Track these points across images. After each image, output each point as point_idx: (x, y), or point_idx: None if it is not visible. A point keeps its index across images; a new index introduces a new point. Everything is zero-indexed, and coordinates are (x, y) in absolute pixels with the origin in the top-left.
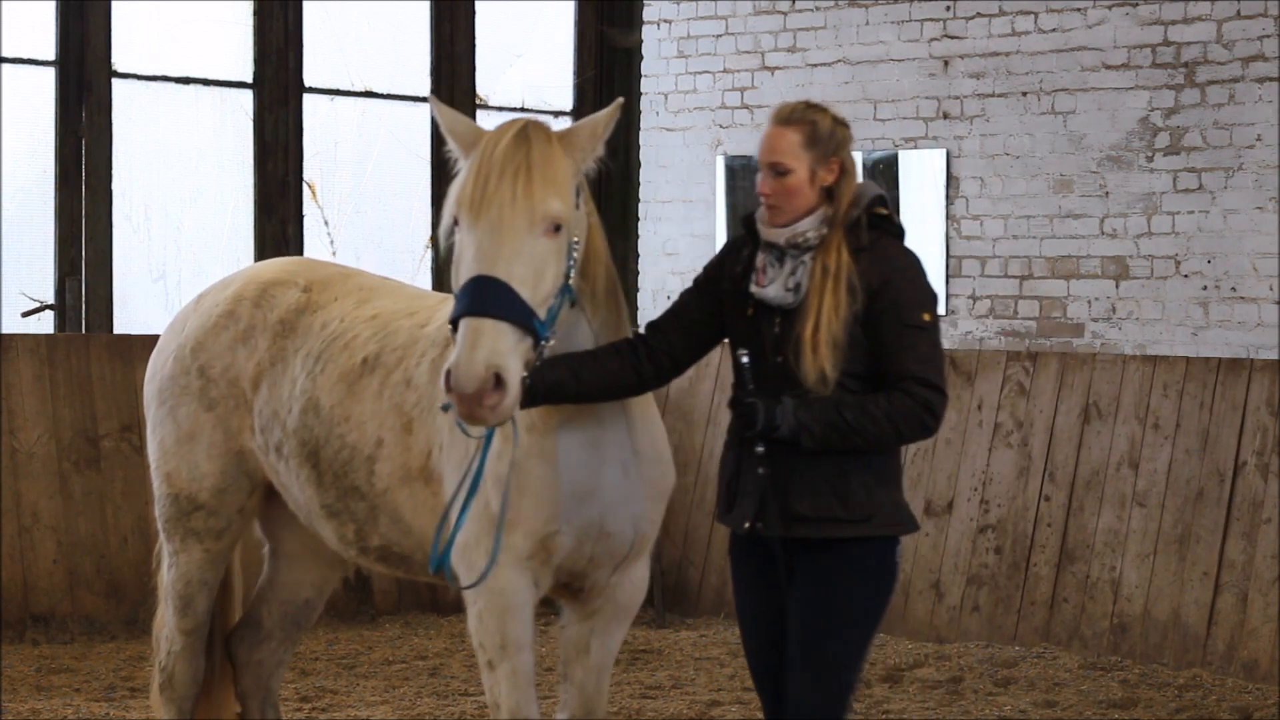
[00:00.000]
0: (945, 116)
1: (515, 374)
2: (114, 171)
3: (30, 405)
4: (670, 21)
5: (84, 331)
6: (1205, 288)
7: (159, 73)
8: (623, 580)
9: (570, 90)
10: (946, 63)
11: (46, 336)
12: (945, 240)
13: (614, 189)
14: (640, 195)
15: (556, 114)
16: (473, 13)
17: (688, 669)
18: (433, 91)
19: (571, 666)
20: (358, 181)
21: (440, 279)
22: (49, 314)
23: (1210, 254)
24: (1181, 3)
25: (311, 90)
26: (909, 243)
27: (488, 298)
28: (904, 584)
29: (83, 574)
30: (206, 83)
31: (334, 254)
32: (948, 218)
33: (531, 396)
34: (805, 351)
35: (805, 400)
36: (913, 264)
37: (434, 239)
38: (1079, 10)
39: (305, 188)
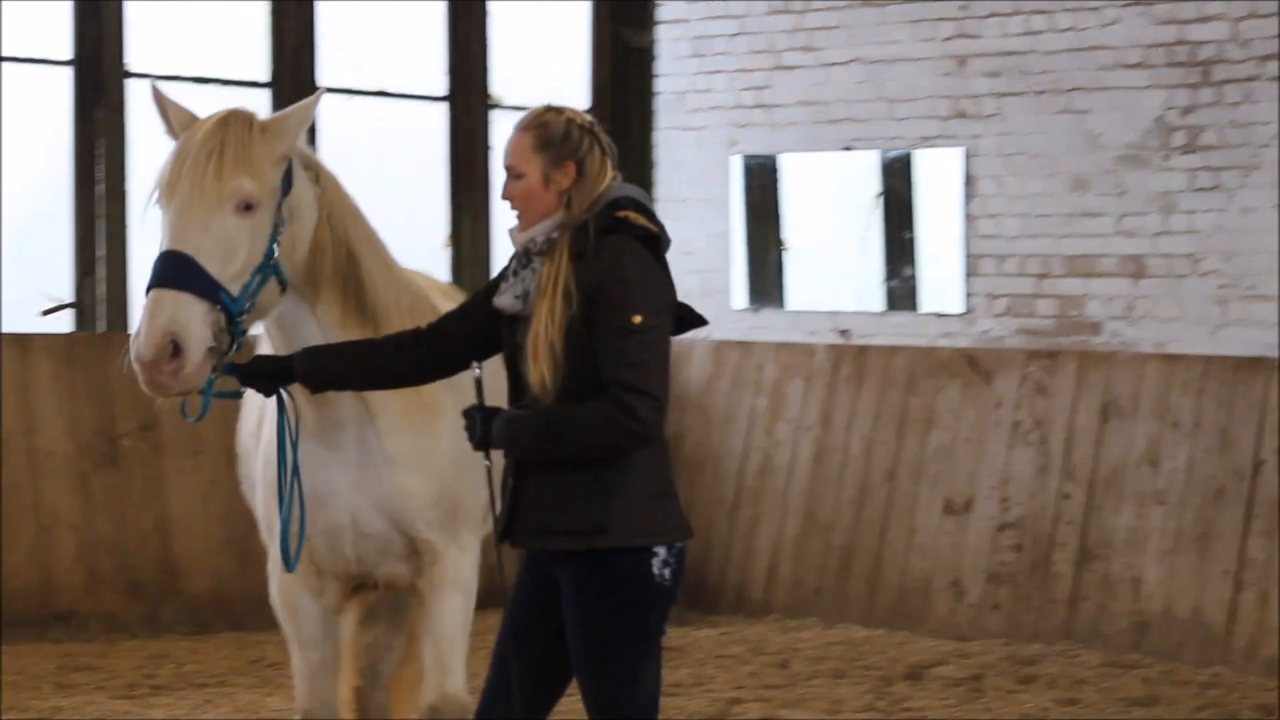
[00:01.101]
0: (961, 116)
1: (196, 341)
2: (130, 171)
3: (50, 405)
4: (685, 21)
5: (102, 331)
6: (1223, 286)
7: (174, 72)
8: (433, 568)
9: (585, 90)
10: (962, 62)
11: (66, 336)
12: (964, 239)
13: None
14: (656, 195)
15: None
16: (487, 12)
17: (708, 667)
18: (449, 91)
19: (420, 645)
20: (374, 180)
21: (459, 277)
22: (66, 314)
23: (1228, 252)
24: (1196, 1)
25: (327, 89)
26: (928, 242)
27: (170, 271)
28: (924, 582)
29: (103, 573)
30: (222, 82)
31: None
32: (966, 217)
33: (307, 380)
34: (526, 359)
35: (524, 410)
36: (632, 265)
37: (452, 238)
38: (1094, 9)
39: None
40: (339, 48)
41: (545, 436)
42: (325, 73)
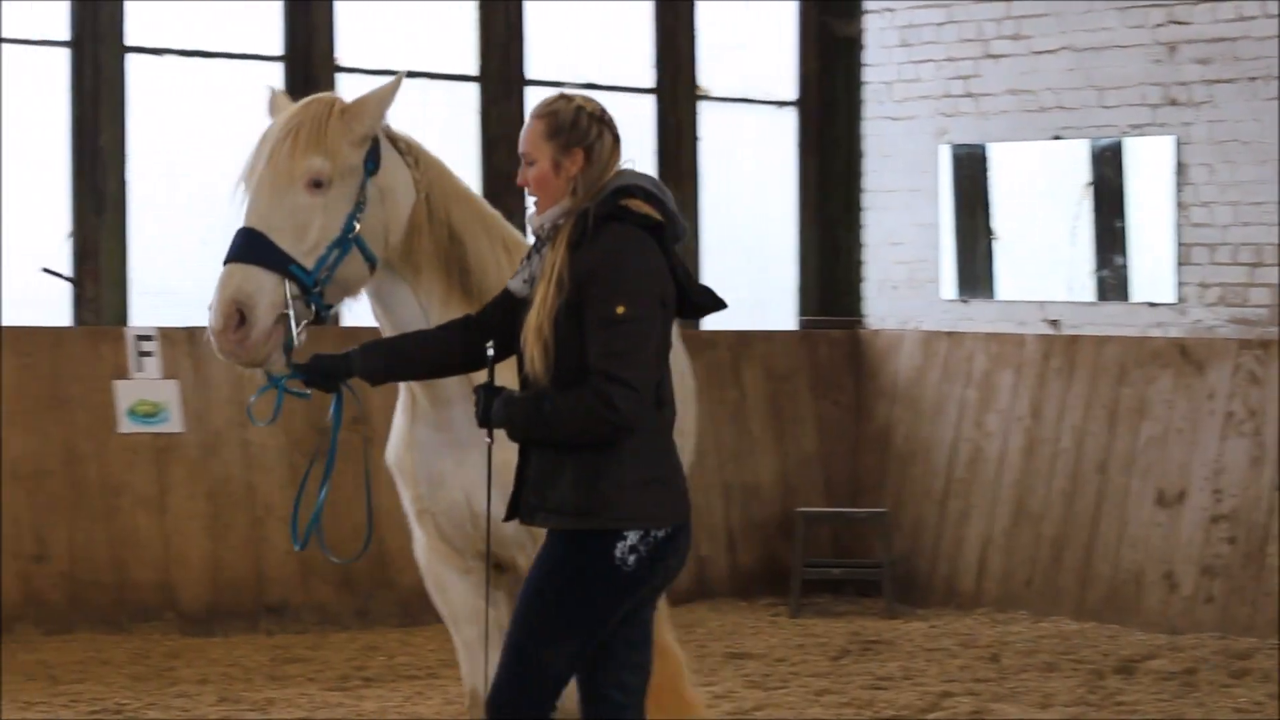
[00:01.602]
0: (1172, 103)
1: (263, 310)
2: None
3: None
4: (892, 10)
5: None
6: None
7: (384, 67)
8: None
9: (793, 81)
10: (1173, 48)
11: None
12: (1175, 228)
13: (837, 180)
14: (865, 185)
15: (780, 105)
16: (694, 4)
17: (918, 659)
18: (657, 84)
19: None
20: None
21: None
22: None
23: None
24: None
25: (534, 83)
26: (1139, 231)
27: (242, 246)
28: (1136, 575)
29: (316, 565)
30: (433, 76)
31: None
32: (1177, 205)
33: (366, 375)
34: (523, 343)
35: (522, 393)
36: (622, 254)
37: None
38: None
39: None
40: (547, 41)
41: (534, 420)
42: (533, 66)
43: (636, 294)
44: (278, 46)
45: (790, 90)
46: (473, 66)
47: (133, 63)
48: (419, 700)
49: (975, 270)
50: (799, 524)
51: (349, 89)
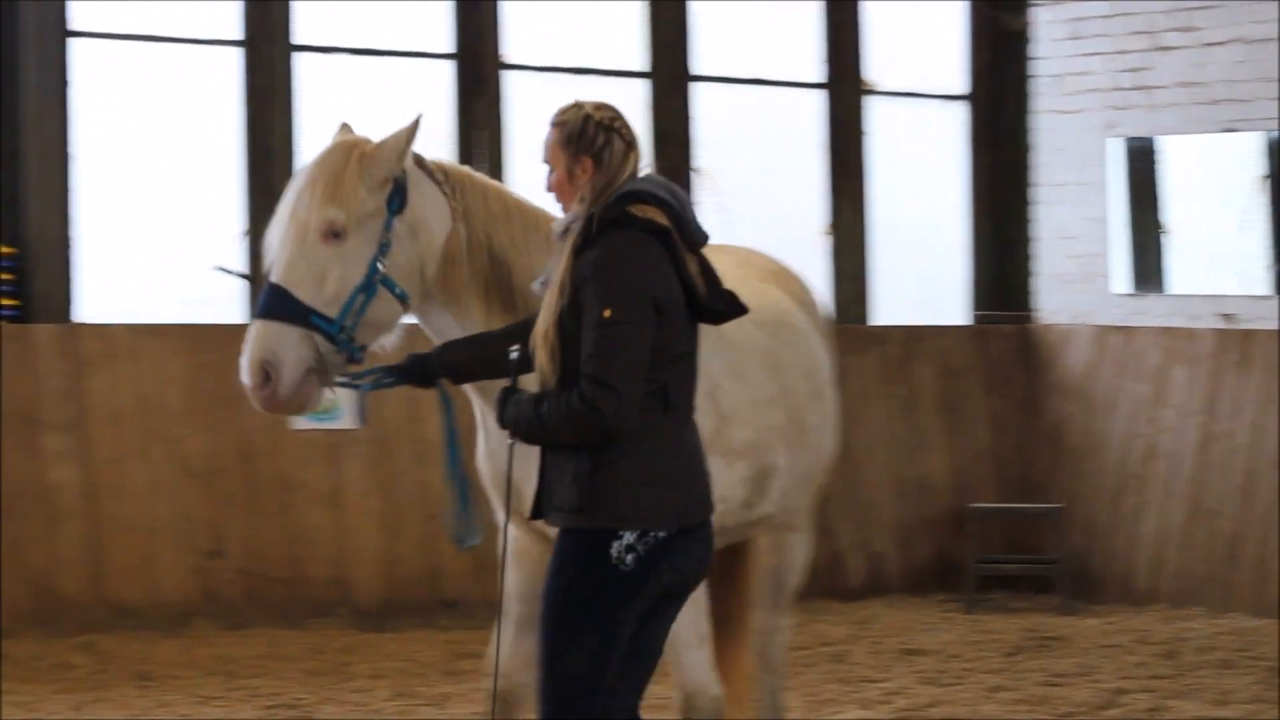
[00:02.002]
0: None
1: (289, 366)
2: (510, 162)
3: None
4: (1061, 2)
5: None
6: None
7: (551, 64)
8: None
9: (963, 75)
10: None
11: None
12: None
13: (1007, 174)
14: (1035, 179)
15: (949, 99)
16: None
17: (1093, 656)
18: (826, 78)
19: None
20: (751, 168)
21: (838, 265)
22: None
23: None
24: None
25: (702, 78)
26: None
27: (267, 302)
28: None
29: (490, 560)
30: (600, 73)
31: (731, 242)
32: None
33: (448, 373)
34: (531, 347)
35: (531, 395)
36: (615, 259)
37: (831, 226)
38: None
39: (699, 175)
40: (715, 36)
41: (533, 422)
42: (701, 62)
43: (625, 298)
44: (446, 44)
45: (959, 84)
46: (641, 63)
47: (303, 61)
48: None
49: (1147, 264)
50: (971, 520)
51: (516, 86)
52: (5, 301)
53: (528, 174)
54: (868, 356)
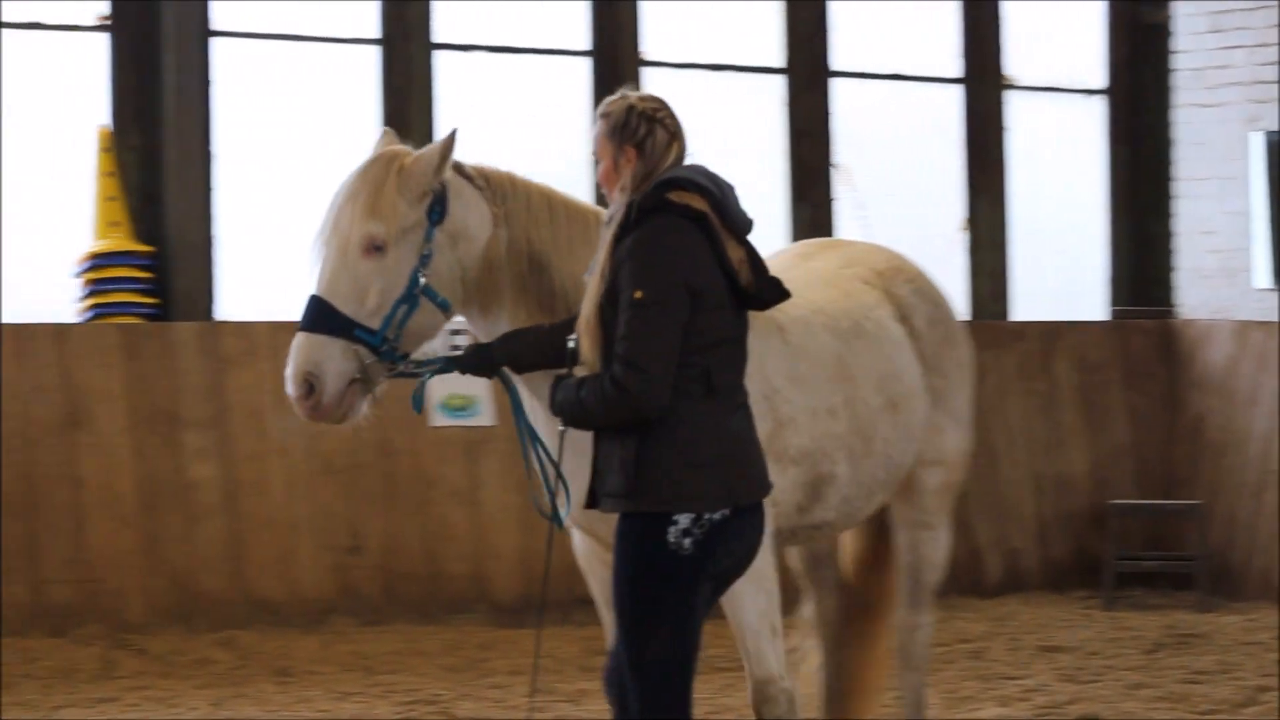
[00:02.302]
0: None
1: (331, 378)
2: None
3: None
4: None
5: None
6: None
7: (690, 60)
8: None
9: (1102, 69)
10: None
11: None
12: None
13: (1147, 168)
14: (1175, 174)
15: (1089, 93)
16: None
17: (1234, 653)
18: (964, 73)
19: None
20: (888, 164)
21: (975, 261)
22: None
23: None
24: None
25: (840, 74)
26: None
27: (309, 315)
28: None
29: None
30: (737, 69)
31: (867, 238)
32: None
33: (509, 362)
34: (577, 332)
35: (575, 380)
36: (650, 242)
37: (969, 221)
38: None
39: (837, 172)
40: (853, 32)
41: (575, 404)
42: (839, 57)
43: (657, 280)
44: (584, 42)
45: (1099, 78)
46: (779, 59)
47: (441, 59)
48: (730, 692)
49: None
50: (1111, 516)
51: (654, 84)
52: (146, 300)
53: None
54: (1007, 353)
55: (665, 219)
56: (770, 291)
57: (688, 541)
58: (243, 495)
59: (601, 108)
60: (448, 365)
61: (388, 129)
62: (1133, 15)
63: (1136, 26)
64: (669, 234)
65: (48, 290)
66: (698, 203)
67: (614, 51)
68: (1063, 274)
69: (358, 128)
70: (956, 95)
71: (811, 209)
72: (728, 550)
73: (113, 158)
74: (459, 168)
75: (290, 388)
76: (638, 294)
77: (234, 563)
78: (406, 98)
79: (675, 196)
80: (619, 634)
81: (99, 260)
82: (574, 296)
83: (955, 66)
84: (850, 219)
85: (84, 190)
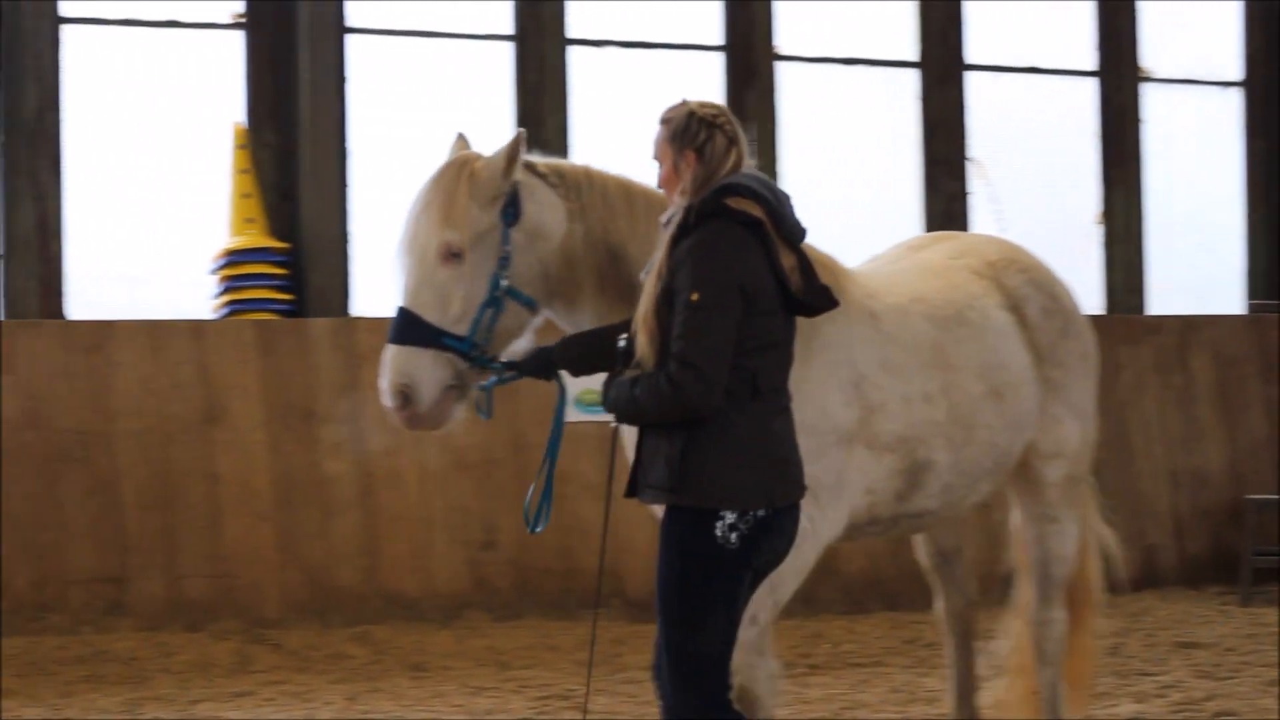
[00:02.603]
0: None
1: (425, 388)
2: (782, 153)
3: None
4: None
5: None
6: None
7: (824, 54)
8: None
9: (1239, 61)
10: None
11: None
12: None
13: None
14: None
15: (1225, 85)
16: None
17: None
18: (1099, 66)
19: None
20: (1023, 158)
21: (1110, 254)
22: None
23: None
24: None
25: (974, 67)
26: None
27: (397, 327)
28: None
29: None
30: (870, 63)
31: (1002, 231)
32: None
33: (566, 365)
34: (633, 330)
35: (629, 378)
36: (708, 247)
37: (1104, 215)
38: None
39: (971, 165)
40: (987, 25)
41: (629, 400)
42: (973, 51)
43: (713, 283)
44: (717, 37)
45: (1235, 70)
46: (912, 52)
47: (574, 55)
48: (864, 688)
49: None
50: (1249, 511)
51: (788, 78)
52: (281, 296)
53: (800, 164)
54: (1142, 347)
55: (722, 223)
56: (820, 299)
57: (734, 536)
58: (377, 490)
59: (663, 114)
60: (505, 371)
61: (460, 134)
62: (1269, 6)
63: (1273, 18)
64: (726, 238)
65: (184, 287)
66: (754, 209)
67: (747, 46)
68: (1199, 267)
69: (491, 124)
70: (1092, 88)
71: (945, 202)
72: (770, 545)
73: (248, 155)
74: (530, 166)
75: (386, 399)
76: (694, 296)
77: (369, 558)
78: (540, 93)
79: (733, 202)
80: (661, 623)
81: (235, 257)
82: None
83: (1090, 59)
84: (984, 212)
85: (220, 187)
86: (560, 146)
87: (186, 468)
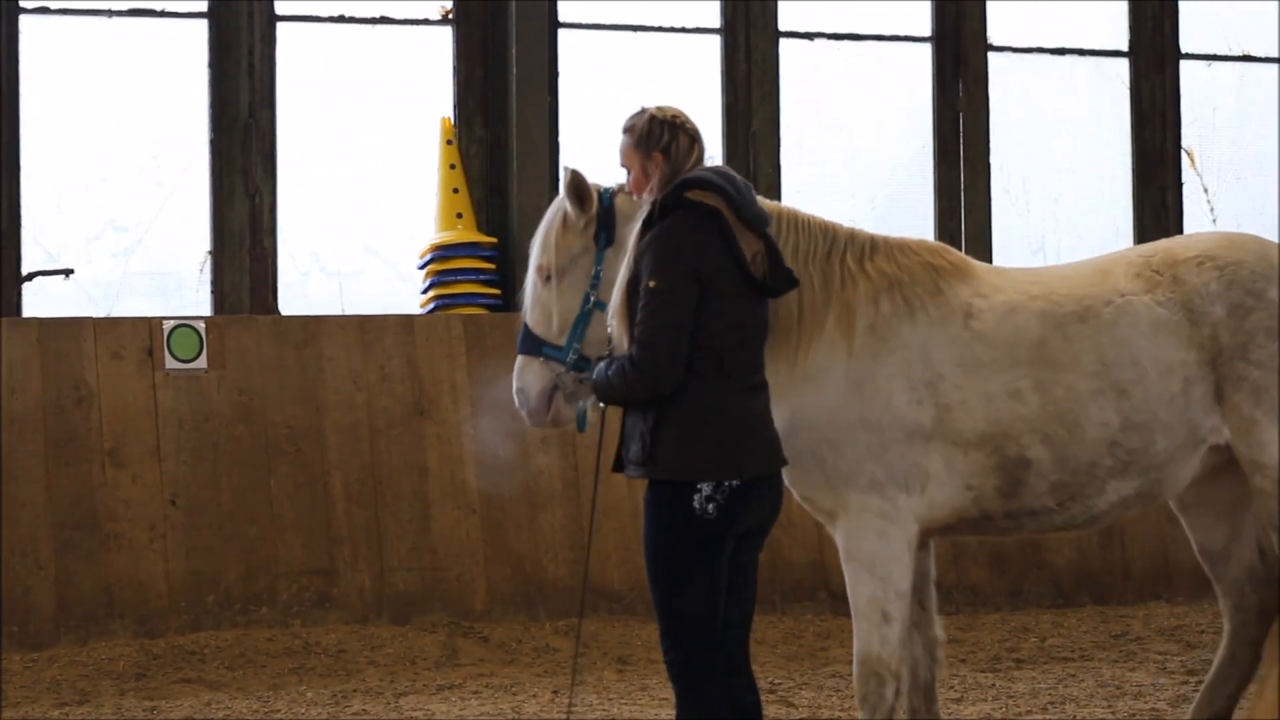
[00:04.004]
0: None
1: (533, 393)
2: (991, 144)
3: None
4: None
5: None
6: None
7: (1034, 44)
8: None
9: None
10: None
11: None
12: None
13: None
14: None
15: None
16: None
17: None
18: None
19: None
20: (1237, 147)
21: None
22: None
23: None
24: None
25: (1189, 56)
26: None
27: (520, 339)
28: None
29: (967, 546)
30: (1081, 52)
31: (1214, 222)
32: None
33: None
34: (609, 319)
35: (606, 360)
36: (664, 236)
37: None
38: None
39: (1184, 155)
40: (1200, 12)
41: (601, 384)
42: (1188, 39)
43: (668, 270)
44: (926, 28)
45: None
46: (1123, 41)
47: (785, 47)
48: (1071, 683)
49: None
50: None
51: (997, 68)
52: (489, 291)
53: (1008, 155)
54: None
55: (683, 215)
56: (782, 282)
57: (711, 506)
58: (585, 483)
59: (625, 123)
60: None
61: (572, 169)
62: None
63: None
64: (683, 229)
65: (394, 282)
66: (712, 200)
67: (957, 37)
68: None
69: (701, 117)
70: None
71: (1158, 192)
72: (750, 513)
73: (457, 150)
74: (615, 194)
75: (515, 400)
76: (652, 283)
77: (576, 550)
78: (749, 86)
79: (692, 195)
80: (651, 589)
81: (443, 252)
82: None
83: None
84: (1196, 203)
85: (429, 183)
86: (770, 139)
87: (395, 462)
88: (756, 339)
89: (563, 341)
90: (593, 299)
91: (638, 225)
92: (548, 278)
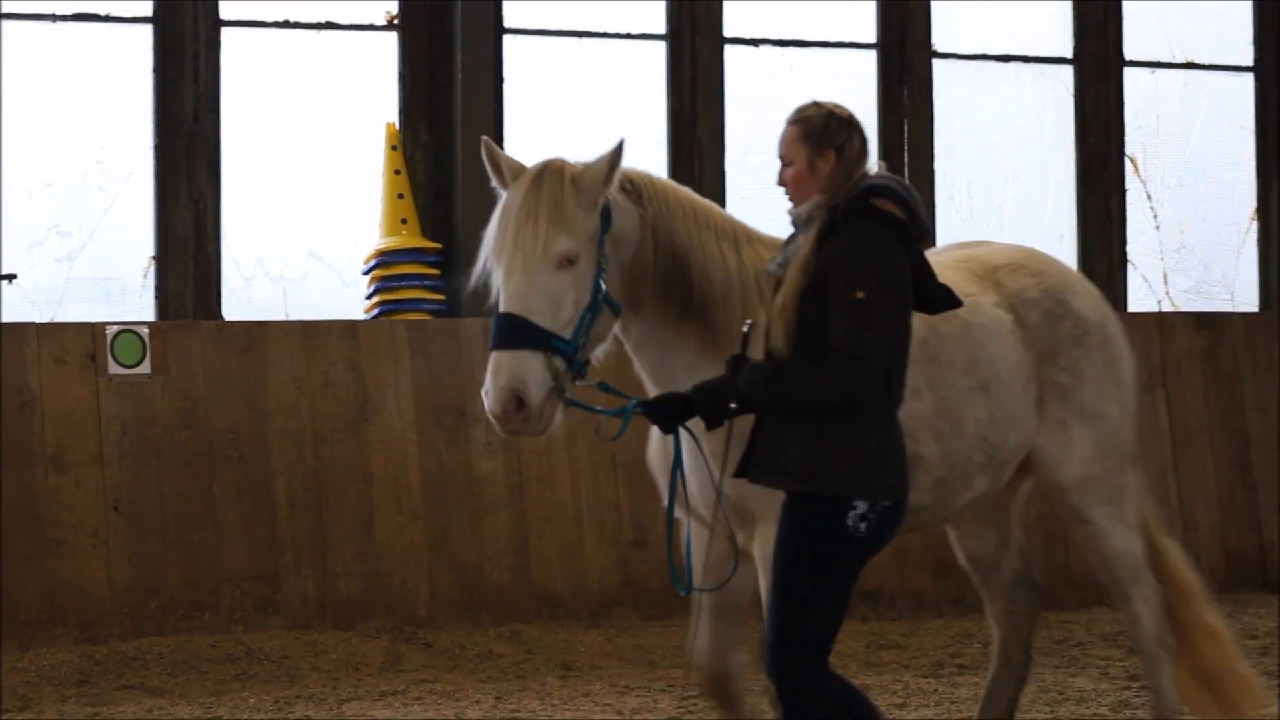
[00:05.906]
0: None
1: (536, 390)
2: (936, 151)
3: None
4: None
5: None
6: None
7: (979, 51)
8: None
9: None
10: None
11: None
12: None
13: None
14: None
15: None
16: None
17: None
18: (1255, 61)
19: None
20: (1180, 154)
21: (1264, 251)
22: None
23: None
24: None
25: (1132, 63)
26: None
27: (507, 332)
28: None
29: (910, 552)
30: (1026, 59)
31: (1157, 229)
32: None
33: (703, 414)
34: (769, 319)
35: (770, 365)
36: (865, 246)
37: (1260, 211)
38: None
39: (1127, 162)
40: (1144, 20)
41: (774, 387)
42: (1130, 46)
43: (875, 282)
44: (871, 35)
45: None
46: (1067, 49)
47: (729, 54)
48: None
49: None
50: None
51: (943, 76)
52: (434, 296)
53: (953, 162)
54: None
55: (871, 224)
56: (944, 298)
57: (864, 526)
58: (529, 489)
59: (795, 114)
60: (636, 407)
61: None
62: None
63: None
64: (880, 238)
65: (339, 287)
66: (898, 211)
67: (901, 44)
68: None
69: (645, 124)
70: (1247, 84)
71: (1102, 199)
72: (889, 535)
73: (402, 155)
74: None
75: (494, 405)
76: (859, 294)
77: (519, 556)
78: (694, 93)
79: (879, 203)
80: (774, 606)
81: (388, 257)
82: (712, 285)
83: (1247, 54)
84: (1139, 210)
85: (373, 188)
86: (715, 146)
87: (339, 467)
88: (908, 358)
89: (570, 334)
90: (603, 288)
91: (812, 229)
92: (569, 261)
